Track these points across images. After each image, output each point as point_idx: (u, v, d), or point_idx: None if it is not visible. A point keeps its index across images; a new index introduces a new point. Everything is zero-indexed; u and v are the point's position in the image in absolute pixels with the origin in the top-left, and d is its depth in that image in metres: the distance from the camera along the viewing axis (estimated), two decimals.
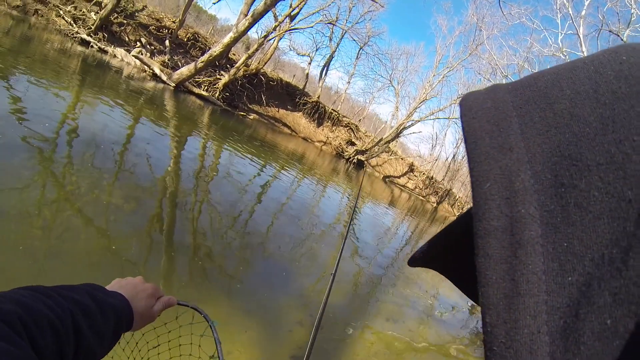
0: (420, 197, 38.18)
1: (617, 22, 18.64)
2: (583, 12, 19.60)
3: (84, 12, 19.04)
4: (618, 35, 18.20)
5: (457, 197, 43.17)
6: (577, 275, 0.25)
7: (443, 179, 44.64)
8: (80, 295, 0.68)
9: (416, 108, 33.42)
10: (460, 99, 0.36)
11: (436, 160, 50.77)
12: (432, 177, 41.14)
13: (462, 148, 47.07)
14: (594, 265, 0.24)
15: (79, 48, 16.23)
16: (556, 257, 0.26)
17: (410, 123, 33.83)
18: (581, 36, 19.20)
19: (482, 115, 0.33)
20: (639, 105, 0.26)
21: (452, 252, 0.45)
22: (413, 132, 38.43)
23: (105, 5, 18.79)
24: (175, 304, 1.00)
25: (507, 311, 0.26)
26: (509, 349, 0.26)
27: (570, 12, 19.95)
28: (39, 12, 17.60)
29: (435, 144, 52.36)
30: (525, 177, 0.29)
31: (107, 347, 0.72)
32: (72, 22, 18.05)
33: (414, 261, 0.50)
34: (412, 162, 40.14)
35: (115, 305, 0.76)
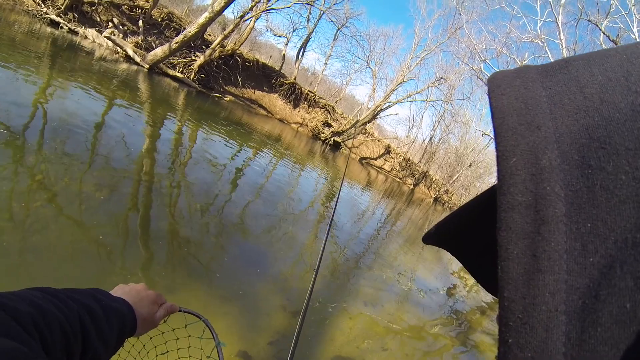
0: (397, 179, 38.56)
1: (597, 12, 18.87)
2: (563, 1, 19.84)
3: None
4: (597, 25, 18.46)
5: (434, 179, 43.69)
6: (598, 256, 0.24)
7: (420, 161, 45.12)
8: (87, 299, 0.70)
9: (393, 90, 33.44)
10: (489, 77, 0.37)
11: (413, 142, 51.16)
12: (408, 159, 41.48)
13: (438, 131, 47.59)
14: (617, 248, 0.24)
15: (48, 29, 15.80)
16: (579, 236, 0.25)
17: (387, 105, 33.86)
18: (560, 24, 19.54)
19: (510, 93, 0.33)
20: None
21: (467, 234, 0.47)
22: (390, 114, 38.48)
23: None
24: (177, 311, 1.04)
25: (526, 287, 0.26)
26: (525, 324, 0.26)
27: (550, 0, 20.19)
28: None
29: (412, 126, 52.81)
30: (552, 156, 0.29)
31: (111, 351, 0.74)
32: (40, 1, 17.53)
33: (428, 238, 0.51)
34: (389, 144, 40.35)
35: (120, 310, 0.78)
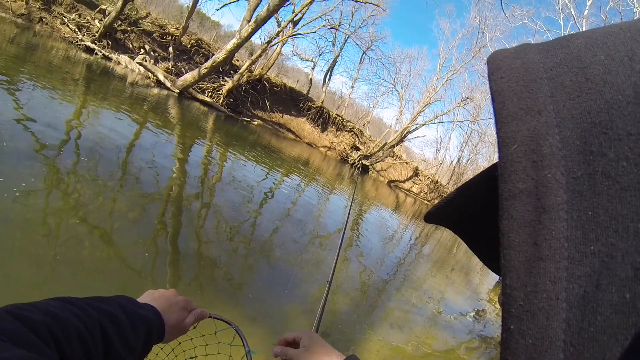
0: (425, 202, 38.05)
1: (620, 21, 18.59)
2: (585, 13, 19.58)
3: (88, 19, 19.15)
4: None
5: None
6: (600, 245, 0.24)
7: (448, 183, 44.59)
8: (111, 306, 0.70)
9: (420, 112, 33.33)
10: (488, 57, 0.35)
11: (441, 163, 50.78)
12: (436, 181, 41.02)
13: (466, 151, 47.14)
14: (618, 236, 0.24)
15: (84, 55, 16.30)
16: (580, 225, 0.25)
17: (414, 127, 33.72)
18: None
19: (510, 75, 0.32)
20: None
21: (470, 211, 0.44)
22: (417, 136, 38.43)
23: (109, 13, 18.88)
24: (207, 317, 1.02)
25: (528, 275, 0.26)
26: (526, 312, 0.26)
27: (573, 12, 19.93)
28: (44, 20, 17.68)
29: (440, 148, 52.34)
30: (553, 142, 0.28)
31: (137, 357, 0.73)
32: (76, 29, 18.13)
33: (429, 216, 0.49)
34: (417, 166, 40.03)
35: (146, 316, 0.77)
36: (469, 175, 47.95)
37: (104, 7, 20.05)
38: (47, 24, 17.75)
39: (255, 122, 24.00)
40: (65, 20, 18.23)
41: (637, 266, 0.22)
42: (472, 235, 0.48)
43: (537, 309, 0.25)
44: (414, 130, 34.18)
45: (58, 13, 18.37)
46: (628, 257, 0.23)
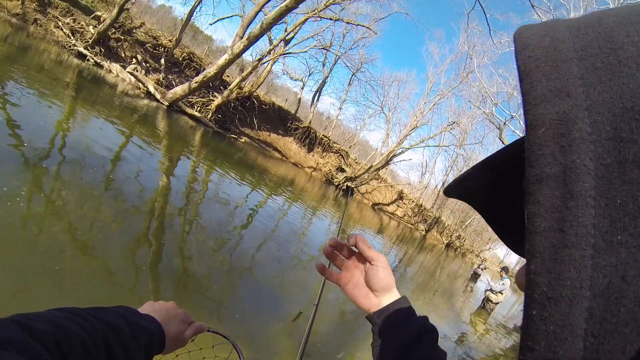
0: (409, 225, 38.22)
1: None
2: None
3: (82, 25, 19.13)
4: None
5: (446, 225, 43.37)
6: (627, 235, 0.24)
7: (432, 207, 44.93)
8: (113, 317, 0.71)
9: (407, 135, 33.49)
10: (515, 33, 0.33)
11: (425, 187, 51.22)
12: (421, 205, 41.29)
13: (451, 176, 47.58)
14: None
15: (76, 60, 16.25)
16: (607, 213, 0.25)
17: (400, 150, 33.87)
18: None
19: (539, 55, 0.30)
20: None
21: (493, 188, 0.44)
22: (403, 160, 38.53)
23: (104, 20, 18.86)
24: (206, 331, 1.03)
25: (552, 261, 0.26)
26: (549, 298, 0.25)
27: None
28: (38, 21, 17.65)
29: (425, 172, 52.72)
30: (583, 126, 0.27)
31: None
32: (70, 34, 18.09)
33: (449, 191, 0.48)
34: (402, 190, 40.26)
35: (147, 327, 0.77)
36: (453, 200, 48.14)
37: (99, 13, 20.05)
38: (41, 25, 17.72)
39: (243, 140, 23.95)
40: (60, 23, 18.21)
41: None
42: (494, 213, 0.48)
43: (560, 296, 0.25)
44: (400, 153, 34.35)
45: (53, 16, 18.35)
46: None
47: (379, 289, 0.90)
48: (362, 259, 0.94)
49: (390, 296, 0.90)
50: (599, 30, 0.29)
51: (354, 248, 0.94)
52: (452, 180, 0.48)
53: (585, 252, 0.25)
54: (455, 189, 0.48)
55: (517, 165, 0.34)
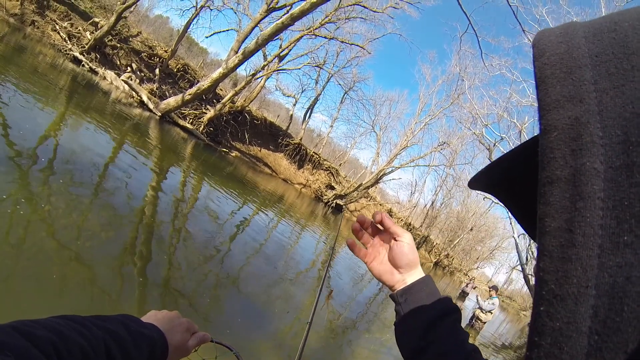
0: None
1: None
2: None
3: (79, 30, 19.15)
4: None
5: (435, 243, 43.49)
6: (633, 236, 0.24)
7: (421, 226, 45.09)
8: (114, 325, 0.70)
9: (397, 155, 33.58)
10: (534, 39, 0.34)
11: (415, 206, 51.26)
12: (410, 224, 41.35)
13: (440, 195, 47.96)
14: None
15: (70, 65, 16.22)
16: (615, 214, 0.25)
17: (390, 169, 33.88)
18: None
19: (555, 62, 0.31)
20: None
21: (516, 180, 0.44)
22: (393, 179, 38.62)
23: (101, 26, 18.87)
24: (209, 341, 1.02)
25: (560, 260, 0.27)
26: (556, 296, 0.26)
27: None
28: (36, 23, 17.66)
29: (415, 191, 52.79)
30: (593, 130, 0.27)
31: None
32: (66, 38, 18.11)
33: (474, 183, 0.49)
34: (391, 208, 40.33)
35: (150, 336, 0.77)
36: (442, 218, 48.63)
37: (97, 20, 20.14)
38: (38, 28, 17.72)
39: (234, 154, 23.90)
40: (57, 27, 18.23)
41: None
42: (519, 207, 0.48)
43: (566, 294, 0.26)
44: (389, 172, 34.35)
45: (51, 19, 18.38)
46: None
47: (403, 264, 0.89)
48: (387, 237, 0.94)
49: (415, 274, 0.90)
50: (614, 35, 0.30)
51: (379, 226, 0.95)
52: (476, 173, 0.48)
53: (592, 252, 0.25)
54: (479, 182, 0.49)
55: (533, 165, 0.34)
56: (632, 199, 0.25)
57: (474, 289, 24.07)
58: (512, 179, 0.45)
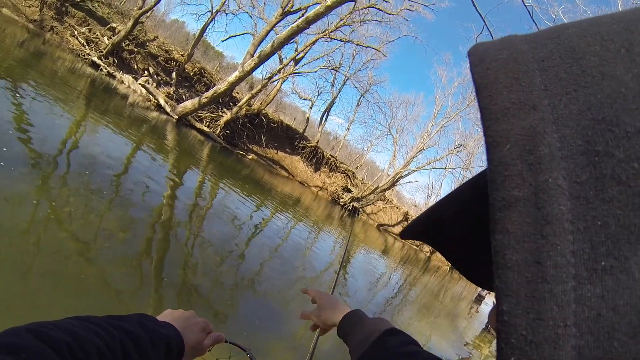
0: (414, 247, 37.88)
1: None
2: None
3: (97, 35, 19.38)
4: None
5: None
6: (612, 259, 0.21)
7: None
8: (131, 324, 0.69)
9: (413, 157, 33.56)
10: (470, 49, 0.31)
11: None
12: None
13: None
14: (633, 249, 0.21)
15: (89, 70, 16.46)
16: (588, 237, 0.22)
17: (407, 172, 33.84)
18: None
19: (497, 67, 0.28)
20: None
21: (453, 226, 0.42)
22: (409, 182, 38.44)
23: (119, 31, 19.07)
24: (223, 342, 1.02)
25: (530, 299, 0.22)
26: (529, 342, 0.22)
27: None
28: (55, 29, 17.92)
29: (431, 194, 52.24)
30: (551, 141, 0.24)
31: None
32: (85, 43, 18.34)
33: (405, 234, 0.47)
34: (407, 211, 39.98)
35: (166, 335, 0.76)
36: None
37: (114, 25, 20.34)
38: (57, 33, 17.99)
39: (250, 157, 23.97)
40: (76, 32, 18.50)
41: None
42: (453, 250, 0.46)
43: (542, 339, 0.21)
44: (406, 175, 34.31)
45: (69, 25, 18.65)
46: None
47: (326, 311, 1.11)
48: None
49: (339, 314, 1.09)
50: (558, 41, 0.28)
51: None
52: (409, 223, 0.46)
53: (566, 285, 0.22)
54: (409, 232, 0.46)
55: (476, 195, 0.33)
56: (606, 217, 0.22)
57: (490, 292, 23.77)
58: (448, 228, 0.43)
